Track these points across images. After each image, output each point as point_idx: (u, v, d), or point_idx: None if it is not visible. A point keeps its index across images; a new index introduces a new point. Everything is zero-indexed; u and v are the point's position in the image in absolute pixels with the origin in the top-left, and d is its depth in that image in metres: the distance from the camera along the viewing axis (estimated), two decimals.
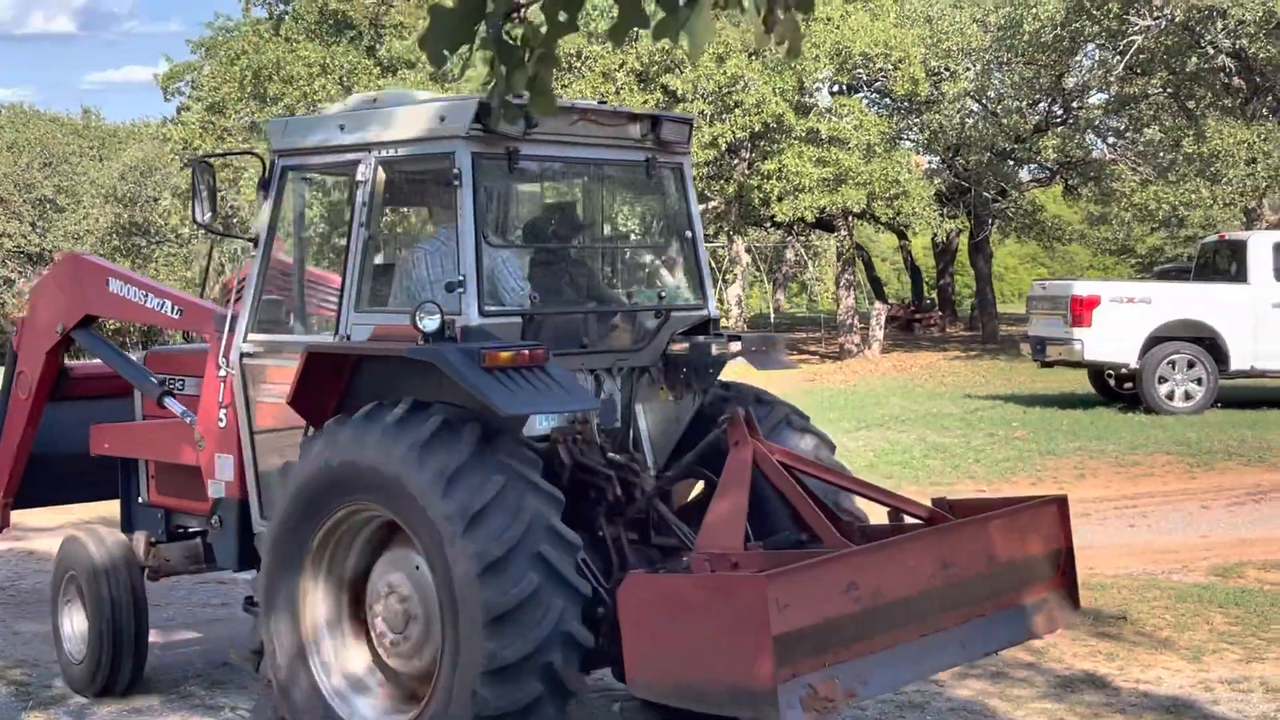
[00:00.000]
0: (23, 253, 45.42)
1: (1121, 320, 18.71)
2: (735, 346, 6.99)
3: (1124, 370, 19.26)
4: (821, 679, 5.23)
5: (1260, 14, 23.49)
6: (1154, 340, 18.66)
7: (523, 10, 2.99)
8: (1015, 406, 20.31)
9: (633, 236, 8.25)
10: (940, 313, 39.06)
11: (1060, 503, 6.49)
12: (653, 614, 5.42)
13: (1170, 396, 18.63)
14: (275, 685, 6.41)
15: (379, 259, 6.85)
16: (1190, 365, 18.67)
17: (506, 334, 6.21)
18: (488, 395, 5.65)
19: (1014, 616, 6.21)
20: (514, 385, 5.75)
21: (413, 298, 6.48)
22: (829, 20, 27.79)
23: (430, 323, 5.92)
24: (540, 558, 5.63)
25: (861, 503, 6.85)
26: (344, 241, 6.69)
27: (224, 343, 7.13)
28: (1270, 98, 26.15)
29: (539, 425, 6.35)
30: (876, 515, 6.80)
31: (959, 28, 28.77)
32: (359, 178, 6.58)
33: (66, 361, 8.76)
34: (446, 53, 2.96)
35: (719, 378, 7.12)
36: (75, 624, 7.99)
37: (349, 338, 6.50)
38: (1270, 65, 25.03)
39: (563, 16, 2.95)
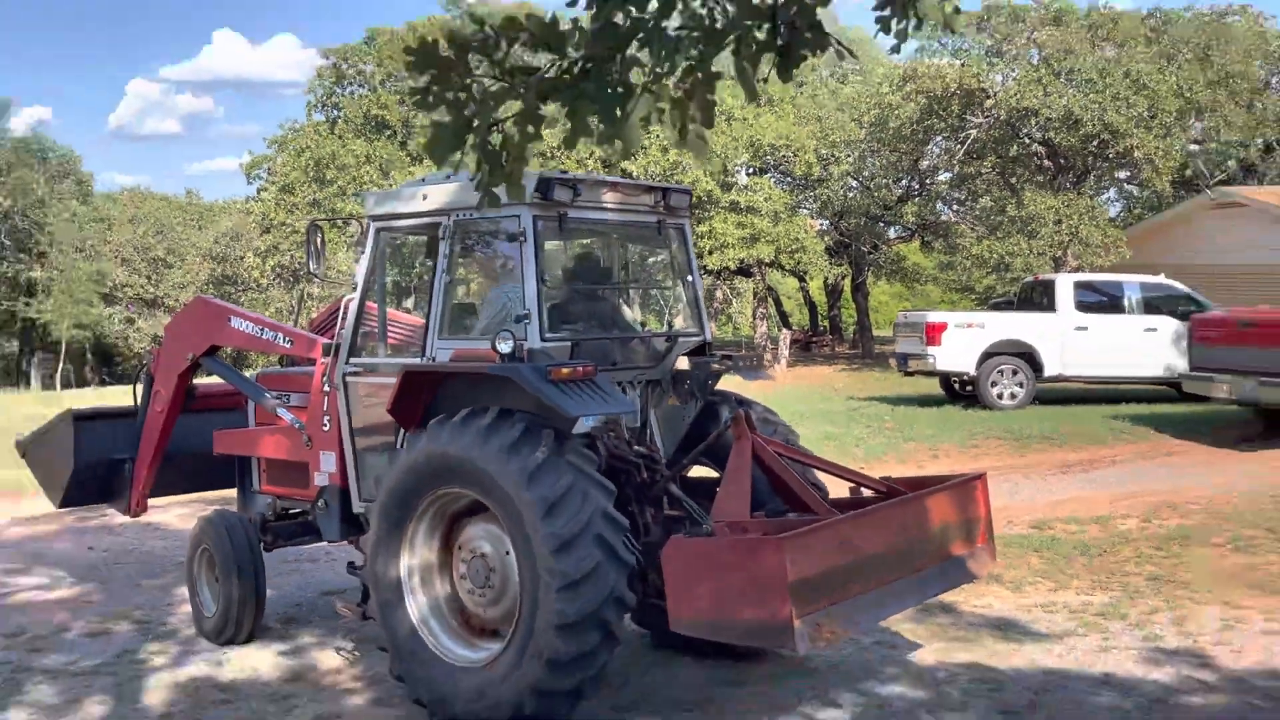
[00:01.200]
0: (141, 299, 45.27)
1: (963, 340, 18.82)
2: (727, 364, 6.88)
3: (965, 377, 19.35)
4: (823, 617, 5.16)
5: (1061, 113, 23.83)
6: (987, 355, 18.75)
7: (500, 125, 3.05)
8: (886, 405, 20.34)
9: (647, 280, 8.10)
10: (831, 337, 39.21)
11: (982, 478, 6.44)
12: (692, 568, 5.29)
13: (1000, 396, 18.71)
14: (380, 623, 6.21)
15: (457, 298, 6.66)
16: (1014, 373, 18.77)
17: (560, 354, 6.06)
18: (556, 402, 5.58)
19: (954, 566, 6.16)
20: (574, 394, 5.66)
21: (486, 328, 6.32)
22: (745, 120, 27.98)
23: (505, 345, 5.82)
24: (601, 539, 5.53)
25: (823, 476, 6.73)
26: (428, 285, 6.50)
27: (330, 365, 6.92)
28: (1071, 174, 26.45)
29: (583, 425, 6.16)
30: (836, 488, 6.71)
31: (841, 125, 28.99)
32: (440, 235, 6.37)
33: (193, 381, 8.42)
34: (444, 156, 3.04)
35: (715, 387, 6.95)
36: (207, 587, 7.74)
37: (435, 359, 6.31)
38: (1070, 151, 25.34)
39: (530, 129, 3.02)
